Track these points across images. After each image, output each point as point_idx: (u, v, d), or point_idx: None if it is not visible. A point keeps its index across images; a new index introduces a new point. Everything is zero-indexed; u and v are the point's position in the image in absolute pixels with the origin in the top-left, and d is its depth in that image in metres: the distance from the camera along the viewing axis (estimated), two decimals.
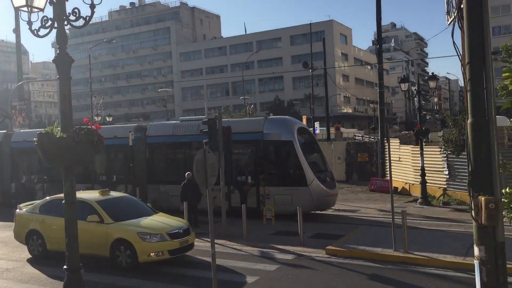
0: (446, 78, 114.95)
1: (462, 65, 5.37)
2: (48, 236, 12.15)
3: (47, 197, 13.63)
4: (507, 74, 6.02)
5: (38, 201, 13.65)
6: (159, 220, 12.22)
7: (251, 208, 16.12)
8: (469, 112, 5.28)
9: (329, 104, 56.12)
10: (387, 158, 13.40)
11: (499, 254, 5.04)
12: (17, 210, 13.33)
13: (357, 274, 10.69)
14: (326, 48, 40.04)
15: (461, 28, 5.45)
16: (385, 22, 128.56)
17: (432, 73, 32.92)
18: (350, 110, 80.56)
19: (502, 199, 5.89)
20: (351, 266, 11.29)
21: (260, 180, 17.05)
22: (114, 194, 13.33)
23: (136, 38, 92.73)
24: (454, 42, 5.47)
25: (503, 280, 5.00)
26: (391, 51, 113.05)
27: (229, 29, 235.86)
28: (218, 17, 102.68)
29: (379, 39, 24.51)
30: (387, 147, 13.35)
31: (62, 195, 7.46)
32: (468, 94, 5.29)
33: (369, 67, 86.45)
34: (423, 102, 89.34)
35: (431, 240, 13.00)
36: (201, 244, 13.50)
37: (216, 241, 13.91)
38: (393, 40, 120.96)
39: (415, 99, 62.17)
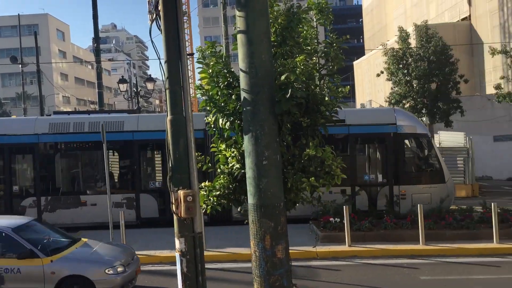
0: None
1: (160, 63, 5.49)
2: None
3: None
4: (203, 75, 6.49)
5: None
6: None
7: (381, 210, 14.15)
8: (168, 109, 5.44)
9: (46, 104, 52.07)
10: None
11: (197, 244, 5.35)
12: None
13: None
14: (42, 43, 37.11)
15: (159, 28, 5.58)
16: (106, 22, 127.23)
17: (150, 75, 34.02)
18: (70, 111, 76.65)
19: (201, 192, 6.32)
20: None
21: (393, 179, 14.60)
22: None
23: None
24: (152, 41, 5.56)
25: (201, 268, 5.33)
26: (113, 52, 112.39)
27: None
28: None
29: (97, 37, 23.83)
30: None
31: None
32: (167, 92, 5.45)
33: (90, 66, 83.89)
34: (145, 103, 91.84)
35: (151, 238, 13.24)
36: None
37: None
38: (114, 41, 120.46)
39: (135, 100, 63.10)
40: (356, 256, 11.54)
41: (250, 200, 5.46)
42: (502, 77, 21.14)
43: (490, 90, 26.85)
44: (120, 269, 8.55)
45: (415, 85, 23.11)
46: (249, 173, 5.46)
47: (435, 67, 22.88)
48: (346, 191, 14.38)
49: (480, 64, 31.44)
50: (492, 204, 11.89)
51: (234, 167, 6.15)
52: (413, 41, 24.28)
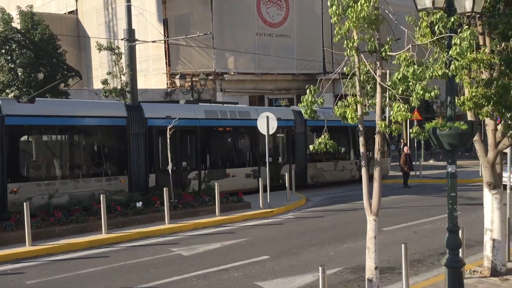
0: None
1: None
2: None
3: None
4: None
5: None
6: None
7: None
8: None
9: None
10: None
11: None
12: None
13: None
14: None
15: None
16: None
17: None
18: None
19: None
20: None
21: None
22: None
23: None
24: None
25: None
26: None
27: None
28: None
29: None
30: None
31: None
32: None
33: None
34: None
35: None
36: None
37: None
38: None
39: None
40: None
41: None
42: (109, 73, 21.91)
43: (97, 85, 27.72)
44: None
45: (20, 73, 21.34)
46: None
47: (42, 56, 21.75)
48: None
49: (88, 59, 32.08)
50: (101, 196, 12.07)
51: None
52: (17, 26, 22.33)
